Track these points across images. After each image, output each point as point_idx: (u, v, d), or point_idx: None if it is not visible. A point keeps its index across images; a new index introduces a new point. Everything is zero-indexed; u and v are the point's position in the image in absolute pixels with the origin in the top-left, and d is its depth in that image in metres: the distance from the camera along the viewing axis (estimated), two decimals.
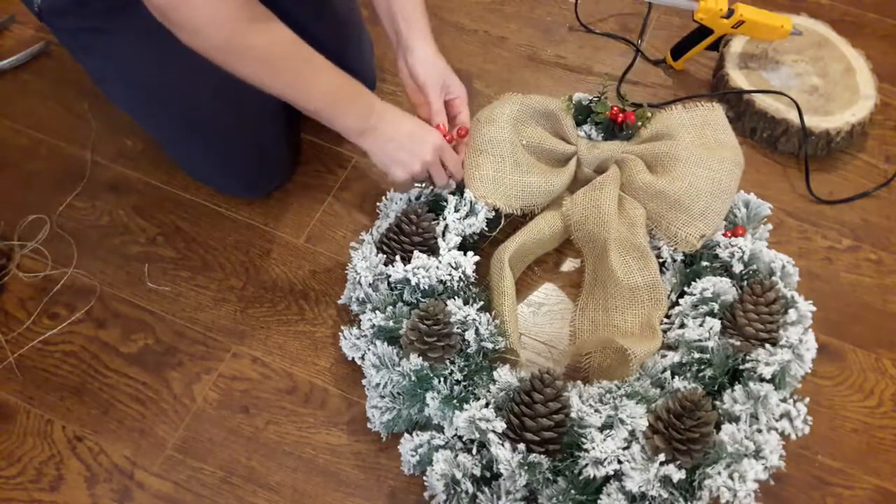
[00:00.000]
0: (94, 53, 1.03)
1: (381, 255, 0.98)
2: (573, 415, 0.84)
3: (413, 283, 0.93)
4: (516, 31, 1.40)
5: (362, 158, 1.20)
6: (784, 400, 0.85)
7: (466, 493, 0.83)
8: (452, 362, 0.89)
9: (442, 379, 0.88)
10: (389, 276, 0.95)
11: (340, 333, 0.96)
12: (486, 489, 0.84)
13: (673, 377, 0.90)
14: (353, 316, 1.02)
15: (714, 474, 0.80)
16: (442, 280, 0.94)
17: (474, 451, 0.85)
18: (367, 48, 1.22)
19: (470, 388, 0.88)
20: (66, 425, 0.97)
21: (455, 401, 0.86)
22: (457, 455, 0.85)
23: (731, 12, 1.20)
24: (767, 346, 0.89)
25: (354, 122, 0.93)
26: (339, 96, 0.92)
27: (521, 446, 0.81)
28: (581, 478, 0.82)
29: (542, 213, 1.05)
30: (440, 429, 0.88)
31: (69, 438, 0.96)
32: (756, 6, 1.21)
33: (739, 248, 0.97)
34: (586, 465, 0.81)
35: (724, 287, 0.94)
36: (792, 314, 0.91)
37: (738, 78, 1.24)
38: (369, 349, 0.92)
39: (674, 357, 0.92)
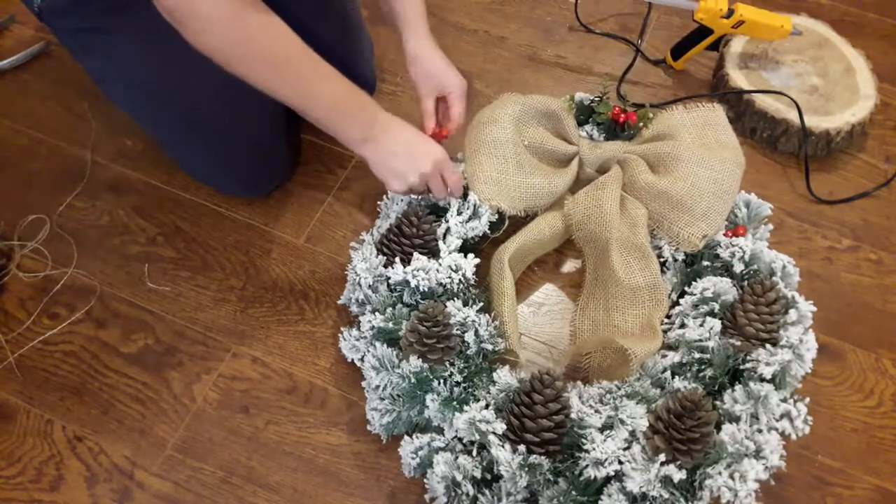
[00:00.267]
0: (94, 53, 1.03)
1: (381, 256, 0.97)
2: (573, 415, 0.84)
3: (413, 285, 0.93)
4: (516, 31, 1.40)
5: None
6: (784, 400, 0.85)
7: (467, 495, 0.83)
8: (452, 364, 0.89)
9: (442, 381, 0.88)
10: (389, 277, 0.95)
11: (340, 335, 0.96)
12: (486, 491, 0.84)
13: (673, 377, 0.90)
14: (352, 317, 1.02)
15: (715, 474, 0.80)
16: (442, 283, 0.94)
17: (475, 453, 0.85)
18: (367, 48, 1.22)
19: (470, 390, 0.88)
20: (66, 425, 0.97)
21: (455, 402, 0.86)
22: (457, 457, 0.85)
23: (731, 12, 1.20)
24: (768, 346, 0.89)
25: (356, 132, 0.93)
26: (343, 105, 0.91)
27: (522, 448, 0.81)
28: (582, 479, 0.81)
29: (543, 213, 1.05)
30: (440, 431, 0.88)
31: (69, 438, 0.96)
32: (756, 6, 1.21)
33: (740, 248, 0.97)
34: (587, 465, 0.81)
35: (724, 287, 0.94)
36: (792, 314, 0.91)
37: (738, 78, 1.24)
38: (369, 351, 0.92)
39: (674, 357, 0.92)
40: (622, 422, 0.83)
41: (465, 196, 1.02)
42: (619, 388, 0.88)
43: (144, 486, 0.93)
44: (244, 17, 0.81)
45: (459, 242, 0.98)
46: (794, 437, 0.83)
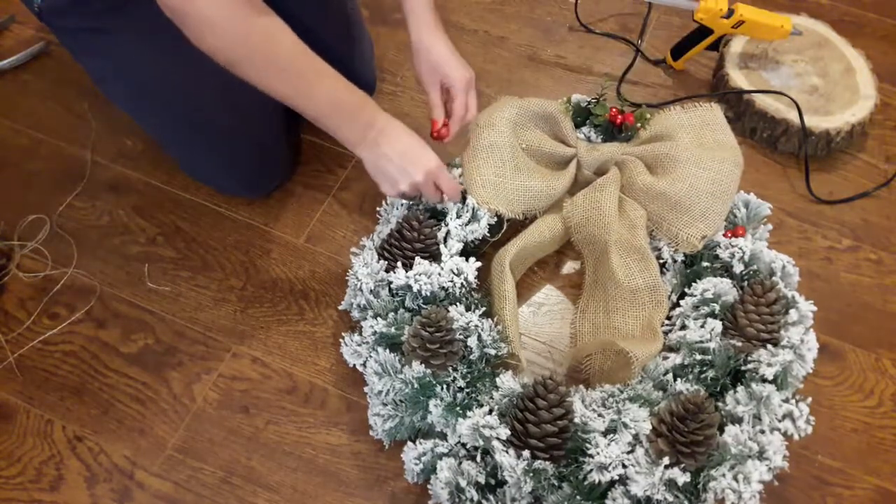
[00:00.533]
0: (94, 53, 1.03)
1: (382, 261, 0.97)
2: (577, 420, 0.83)
3: (415, 289, 0.93)
4: (516, 31, 1.40)
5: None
6: (786, 400, 0.84)
7: (471, 500, 0.83)
8: (455, 369, 0.89)
9: (444, 386, 0.88)
10: (391, 282, 0.95)
11: (342, 340, 0.96)
12: (491, 496, 0.84)
13: (675, 379, 0.90)
14: (354, 322, 1.02)
15: (718, 476, 0.80)
16: (444, 287, 0.94)
17: (478, 459, 0.85)
18: (367, 48, 1.22)
19: (473, 395, 0.88)
20: (66, 425, 0.97)
21: (458, 408, 0.86)
22: (461, 463, 0.85)
23: (731, 12, 1.20)
24: (769, 346, 0.89)
25: (353, 134, 0.93)
26: (341, 107, 0.91)
27: (526, 453, 0.81)
28: (586, 483, 0.81)
29: (543, 215, 1.05)
30: (443, 436, 0.88)
31: (69, 438, 0.96)
32: (756, 6, 1.21)
33: (740, 248, 0.97)
34: (591, 470, 0.81)
35: (724, 288, 0.94)
36: (793, 314, 0.91)
37: (738, 78, 1.24)
38: (371, 356, 0.92)
39: (675, 359, 0.92)
40: (625, 425, 0.83)
41: (463, 200, 1.02)
42: (622, 392, 0.88)
43: (144, 486, 0.93)
44: (245, 18, 0.81)
45: (460, 246, 0.98)
46: (796, 437, 0.83)
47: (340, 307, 1.02)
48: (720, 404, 0.87)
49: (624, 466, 0.81)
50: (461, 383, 0.88)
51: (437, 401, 0.87)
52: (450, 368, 0.88)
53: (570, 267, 1.11)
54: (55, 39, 1.31)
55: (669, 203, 1.00)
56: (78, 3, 0.97)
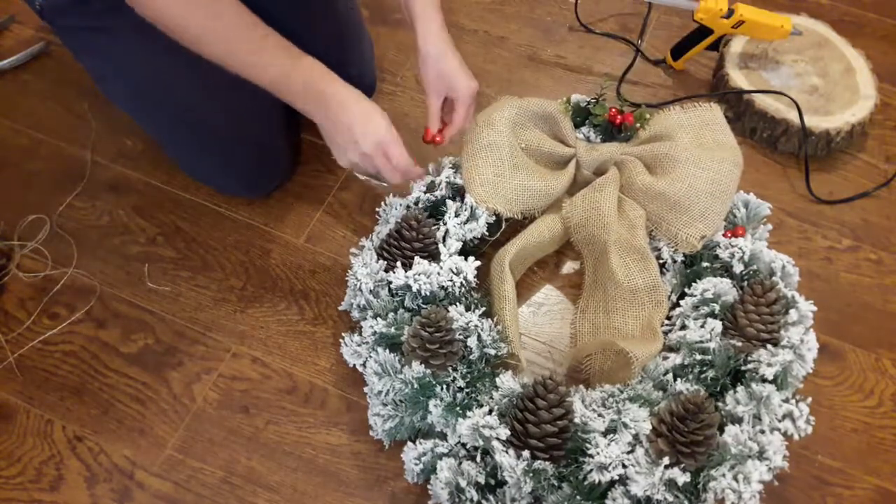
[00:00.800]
0: (94, 53, 1.03)
1: (381, 261, 0.97)
2: (576, 420, 0.83)
3: (414, 289, 0.93)
4: (516, 31, 1.40)
5: None
6: (786, 400, 0.84)
7: (471, 501, 0.82)
8: (455, 369, 0.89)
9: (444, 386, 0.88)
10: (390, 282, 0.95)
11: (342, 340, 0.96)
12: (490, 497, 0.84)
13: (675, 379, 0.90)
14: (353, 322, 1.02)
15: (718, 476, 0.80)
16: (443, 286, 0.94)
17: (478, 459, 0.85)
18: (367, 48, 1.22)
19: (473, 395, 0.88)
20: (66, 425, 0.97)
21: (458, 408, 0.86)
22: (461, 463, 0.85)
23: (731, 12, 1.20)
24: (769, 346, 0.89)
25: (306, 105, 0.93)
26: (290, 77, 0.90)
27: (526, 453, 0.81)
28: (586, 483, 0.81)
29: (542, 215, 1.05)
30: (443, 436, 0.88)
31: (69, 438, 0.96)
32: (756, 6, 1.21)
33: (740, 248, 0.97)
34: (591, 470, 0.81)
35: (724, 288, 0.94)
36: (793, 314, 0.91)
37: (738, 78, 1.24)
38: (371, 356, 0.92)
39: (675, 359, 0.92)
40: (625, 425, 0.83)
41: (462, 198, 1.02)
42: (622, 392, 0.88)
43: (144, 486, 0.93)
44: None
45: (459, 245, 0.98)
46: (796, 437, 0.83)
47: (340, 307, 1.02)
48: (720, 404, 0.87)
49: (624, 466, 0.81)
50: (461, 383, 0.88)
51: (437, 401, 0.87)
52: (450, 368, 0.88)
53: (569, 267, 1.11)
54: (55, 39, 1.31)
55: (669, 203, 1.00)
56: (79, 1, 0.97)
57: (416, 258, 0.95)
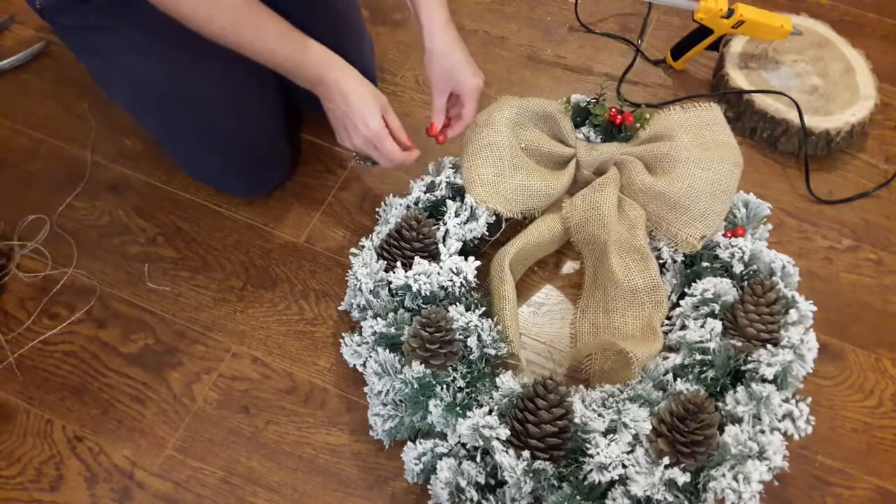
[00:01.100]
0: (94, 52, 1.03)
1: (381, 261, 0.97)
2: (577, 420, 0.83)
3: (414, 289, 0.93)
4: (516, 31, 1.40)
5: None
6: (786, 400, 0.84)
7: (471, 500, 0.83)
8: (455, 369, 0.89)
9: (444, 386, 0.88)
10: (390, 282, 0.95)
11: (342, 340, 0.96)
12: (490, 497, 0.84)
13: (675, 379, 0.90)
14: (353, 322, 1.02)
15: (718, 476, 0.80)
16: (443, 286, 0.94)
17: (478, 459, 0.85)
18: (367, 48, 1.22)
19: (473, 395, 0.88)
20: (66, 425, 0.97)
21: (458, 408, 0.86)
22: (461, 463, 0.85)
23: (731, 12, 1.20)
24: (769, 346, 0.89)
25: (309, 86, 0.95)
26: (287, 66, 0.92)
27: (526, 453, 0.81)
28: (586, 483, 0.82)
29: (542, 215, 1.05)
30: (443, 436, 0.88)
31: (69, 438, 0.96)
32: (756, 6, 1.21)
33: (740, 248, 0.97)
34: (591, 470, 0.81)
35: (724, 288, 0.94)
36: (793, 314, 0.91)
37: (738, 78, 1.24)
38: (371, 356, 0.92)
39: (675, 359, 0.92)
40: (625, 425, 0.83)
41: (462, 198, 1.02)
42: (622, 392, 0.88)
43: (144, 486, 0.93)
44: None
45: (459, 245, 0.98)
46: (796, 437, 0.83)
47: (340, 307, 1.02)
48: (720, 404, 0.87)
49: (624, 466, 0.81)
50: (461, 383, 0.88)
51: (437, 401, 0.87)
52: (450, 368, 0.88)
53: (569, 267, 1.11)
54: (55, 39, 1.31)
55: (669, 203, 1.00)
56: (79, 0, 0.97)
57: (416, 258, 0.95)
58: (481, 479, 0.83)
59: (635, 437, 0.83)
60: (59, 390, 0.99)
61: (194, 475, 0.94)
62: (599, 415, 0.85)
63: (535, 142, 1.05)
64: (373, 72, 1.25)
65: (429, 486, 0.86)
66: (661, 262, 1.02)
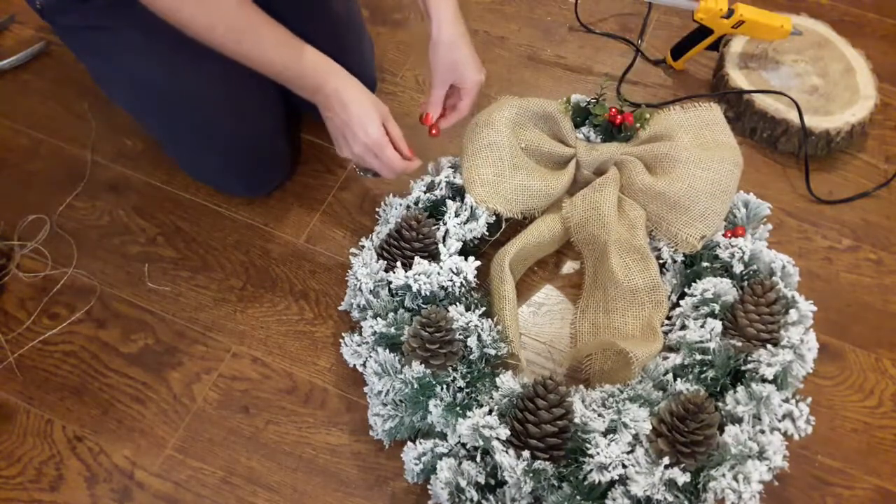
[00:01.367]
0: (94, 52, 1.03)
1: (381, 261, 0.97)
2: (577, 420, 0.83)
3: (414, 289, 0.93)
4: (516, 31, 1.40)
5: None
6: (786, 400, 0.84)
7: (471, 500, 0.82)
8: (455, 369, 0.89)
9: (444, 386, 0.88)
10: (390, 282, 0.95)
11: (342, 340, 0.96)
12: (490, 497, 0.84)
13: (675, 379, 0.90)
14: (353, 322, 1.02)
15: (718, 476, 0.80)
16: (443, 286, 0.94)
17: (478, 459, 0.85)
18: (367, 49, 1.22)
19: (473, 395, 0.88)
20: (66, 425, 0.97)
21: (458, 408, 0.86)
22: (461, 463, 0.85)
23: (731, 12, 1.20)
24: (769, 346, 0.89)
25: (308, 95, 0.95)
26: (286, 75, 0.92)
27: (526, 453, 0.81)
28: (586, 483, 0.81)
29: (542, 215, 1.05)
30: (443, 436, 0.88)
31: (69, 438, 0.96)
32: (756, 6, 1.21)
33: (739, 248, 0.97)
34: (591, 470, 0.81)
35: (724, 288, 0.94)
36: (793, 314, 0.91)
37: (738, 78, 1.24)
38: (371, 356, 0.92)
39: (675, 359, 0.92)
40: (625, 425, 0.83)
41: (462, 198, 1.02)
42: (622, 392, 0.88)
43: (144, 486, 0.93)
44: None
45: (459, 245, 0.98)
46: (796, 437, 0.83)
47: (340, 307, 1.02)
48: (720, 404, 0.87)
49: (624, 466, 0.81)
50: (461, 383, 0.88)
51: (437, 401, 0.87)
52: (450, 368, 0.88)
53: (569, 267, 1.11)
54: (55, 39, 1.31)
55: (669, 203, 1.00)
56: (79, 0, 0.97)
57: (416, 258, 0.95)
58: (481, 479, 0.83)
59: (635, 437, 0.83)
60: (59, 390, 0.99)
61: (194, 475, 0.94)
62: (599, 415, 0.85)
63: (535, 142, 1.05)
64: (373, 72, 1.25)
65: (429, 486, 0.86)
66: (661, 262, 1.02)
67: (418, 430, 0.91)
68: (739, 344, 0.90)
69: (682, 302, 0.97)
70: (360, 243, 1.02)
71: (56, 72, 1.31)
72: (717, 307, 0.94)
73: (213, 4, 0.85)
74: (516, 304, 0.99)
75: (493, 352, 0.90)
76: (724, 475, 0.80)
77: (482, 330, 0.90)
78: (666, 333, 0.98)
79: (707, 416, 0.80)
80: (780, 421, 0.84)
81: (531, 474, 0.81)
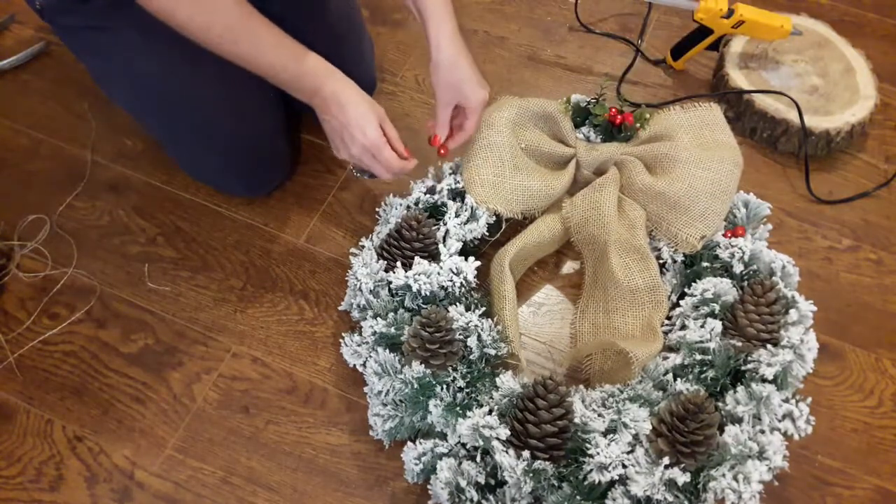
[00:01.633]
0: (94, 52, 1.03)
1: (381, 261, 0.97)
2: (577, 420, 0.83)
3: (414, 289, 0.93)
4: (516, 31, 1.40)
5: None
6: (786, 400, 0.84)
7: (471, 501, 0.82)
8: (455, 369, 0.89)
9: (444, 386, 0.88)
10: (390, 282, 0.95)
11: (342, 340, 0.96)
12: (490, 496, 0.84)
13: (675, 379, 0.90)
14: (353, 322, 1.02)
15: (718, 476, 0.80)
16: (443, 286, 0.94)
17: (478, 459, 0.85)
18: (367, 50, 1.22)
19: (473, 395, 0.88)
20: (66, 425, 0.97)
21: (458, 408, 0.86)
22: (461, 463, 0.85)
23: (731, 12, 1.20)
24: (769, 346, 0.89)
25: (305, 98, 0.95)
26: (284, 77, 0.92)
27: (526, 453, 0.81)
28: (586, 483, 0.82)
29: (542, 216, 1.05)
30: (443, 436, 0.88)
31: (69, 438, 0.96)
32: (756, 6, 1.21)
33: (740, 248, 0.97)
34: (591, 470, 0.81)
35: (724, 288, 0.94)
36: (793, 314, 0.91)
37: (738, 78, 1.24)
38: (371, 356, 0.92)
39: (675, 359, 0.92)
40: (625, 425, 0.83)
41: (462, 199, 1.02)
42: (622, 392, 0.88)
43: (144, 486, 0.93)
44: None
45: (459, 245, 0.98)
46: (796, 437, 0.83)
47: (340, 307, 1.02)
48: (720, 404, 0.87)
49: (624, 466, 0.81)
50: (461, 383, 0.88)
51: (437, 401, 0.87)
52: (450, 368, 0.88)
53: (569, 267, 1.11)
54: (55, 39, 1.31)
55: (669, 203, 1.00)
56: (79, 0, 0.97)
57: (416, 258, 0.95)
58: (481, 479, 0.83)
59: (635, 437, 0.83)
60: (59, 390, 0.99)
61: (194, 475, 0.94)
62: (599, 415, 0.85)
63: (535, 142, 1.05)
64: (373, 72, 1.25)
65: (429, 486, 0.86)
66: (661, 262, 1.02)
67: (418, 430, 0.91)
68: (739, 344, 0.90)
69: (682, 302, 0.97)
70: (360, 243, 1.02)
71: (56, 72, 1.31)
72: (717, 307, 0.94)
73: (210, 5, 0.85)
74: (516, 304, 0.99)
75: (493, 352, 0.90)
76: (724, 475, 0.80)
77: (482, 330, 0.90)
78: (666, 333, 0.98)
79: (707, 416, 0.80)
80: (780, 421, 0.84)
81: (531, 474, 0.81)
